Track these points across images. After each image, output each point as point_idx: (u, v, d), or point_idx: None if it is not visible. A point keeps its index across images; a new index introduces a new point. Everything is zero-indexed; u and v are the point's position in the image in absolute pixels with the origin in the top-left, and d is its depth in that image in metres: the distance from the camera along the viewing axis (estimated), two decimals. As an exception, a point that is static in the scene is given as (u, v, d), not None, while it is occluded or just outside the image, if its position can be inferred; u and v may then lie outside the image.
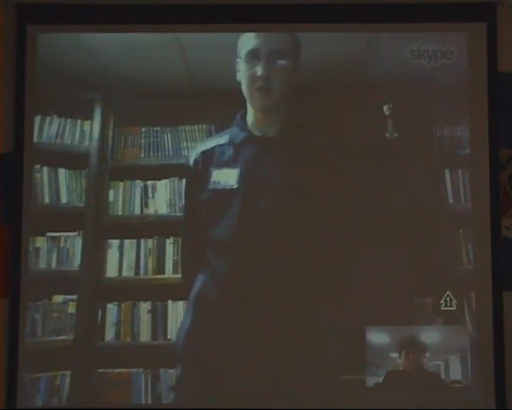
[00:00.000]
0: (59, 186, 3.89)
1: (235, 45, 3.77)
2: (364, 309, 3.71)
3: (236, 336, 3.69)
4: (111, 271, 3.85)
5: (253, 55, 3.73)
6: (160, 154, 3.93)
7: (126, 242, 3.88)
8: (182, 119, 3.91)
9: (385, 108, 3.82)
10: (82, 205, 3.87)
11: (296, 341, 3.67)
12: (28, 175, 3.83)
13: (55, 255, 3.84)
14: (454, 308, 3.75)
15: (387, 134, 3.82)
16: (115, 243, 3.87)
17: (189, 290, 3.75)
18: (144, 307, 3.84)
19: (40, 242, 3.84)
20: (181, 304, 3.80)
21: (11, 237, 3.80)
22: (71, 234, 3.85)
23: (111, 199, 3.89)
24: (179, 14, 3.85)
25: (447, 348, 3.73)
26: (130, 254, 3.87)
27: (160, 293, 3.83)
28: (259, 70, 3.71)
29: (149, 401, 3.79)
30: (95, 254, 3.85)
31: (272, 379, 3.67)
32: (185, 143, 3.91)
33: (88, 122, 3.91)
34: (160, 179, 3.91)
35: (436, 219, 3.80)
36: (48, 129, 3.89)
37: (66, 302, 3.80)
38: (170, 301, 3.83)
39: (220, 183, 3.73)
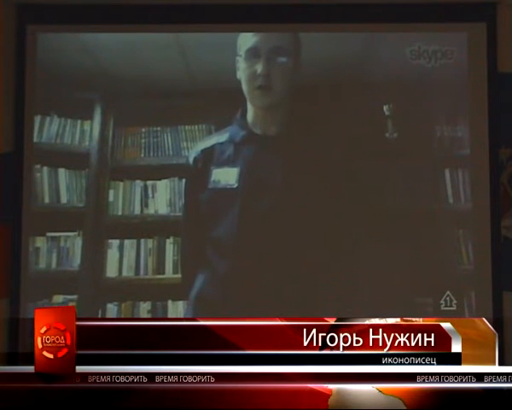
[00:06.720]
0: (59, 186, 3.89)
1: (235, 45, 3.77)
2: (364, 309, 3.70)
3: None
4: (111, 271, 3.85)
5: (253, 53, 3.73)
6: (160, 154, 3.93)
7: (126, 242, 3.87)
8: (182, 119, 3.91)
9: (385, 108, 3.82)
10: (82, 205, 3.87)
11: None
12: (28, 175, 3.82)
13: (55, 255, 3.84)
14: (454, 308, 3.75)
15: (387, 134, 3.82)
16: (115, 243, 3.87)
17: (189, 290, 3.75)
18: (144, 307, 3.84)
19: (40, 242, 3.84)
20: (181, 304, 3.80)
21: (11, 237, 3.80)
22: (71, 234, 3.85)
23: (111, 199, 3.89)
24: (179, 15, 3.85)
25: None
26: (130, 254, 3.87)
27: (159, 293, 3.83)
28: (259, 68, 3.71)
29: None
30: (95, 254, 3.85)
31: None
32: (185, 143, 3.91)
33: (88, 122, 3.91)
34: (160, 179, 3.91)
35: (436, 219, 3.80)
36: (48, 129, 3.88)
37: (66, 302, 3.80)
38: (170, 301, 3.83)
39: (220, 182, 3.73)
